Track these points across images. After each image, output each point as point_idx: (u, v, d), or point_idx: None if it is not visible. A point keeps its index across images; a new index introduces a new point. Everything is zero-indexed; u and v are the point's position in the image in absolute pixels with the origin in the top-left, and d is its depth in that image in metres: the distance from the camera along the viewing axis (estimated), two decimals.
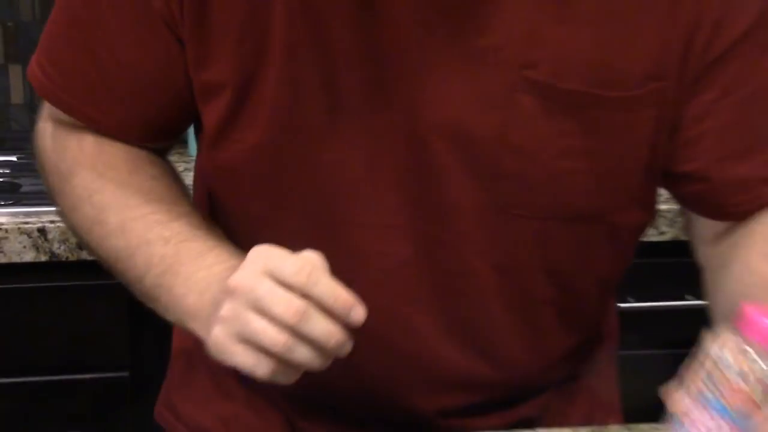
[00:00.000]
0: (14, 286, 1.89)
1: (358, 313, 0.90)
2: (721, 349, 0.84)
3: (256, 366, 0.90)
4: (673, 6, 1.02)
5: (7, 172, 2.14)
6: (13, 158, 2.23)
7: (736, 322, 0.84)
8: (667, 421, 0.88)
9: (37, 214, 1.88)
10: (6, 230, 1.84)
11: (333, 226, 1.10)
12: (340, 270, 1.01)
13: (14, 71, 2.47)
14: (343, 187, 1.08)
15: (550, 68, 1.02)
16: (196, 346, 1.28)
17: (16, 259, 1.85)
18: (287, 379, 0.93)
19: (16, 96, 2.48)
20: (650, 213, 1.16)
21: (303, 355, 0.90)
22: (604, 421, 1.24)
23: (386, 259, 1.10)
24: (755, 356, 0.82)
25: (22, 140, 2.31)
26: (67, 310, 1.90)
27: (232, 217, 1.18)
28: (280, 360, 0.90)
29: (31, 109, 2.48)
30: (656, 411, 1.20)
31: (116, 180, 1.12)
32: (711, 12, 1.03)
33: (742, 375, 0.81)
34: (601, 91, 1.03)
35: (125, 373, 1.94)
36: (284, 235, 1.05)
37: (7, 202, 1.93)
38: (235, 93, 1.07)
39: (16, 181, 2.07)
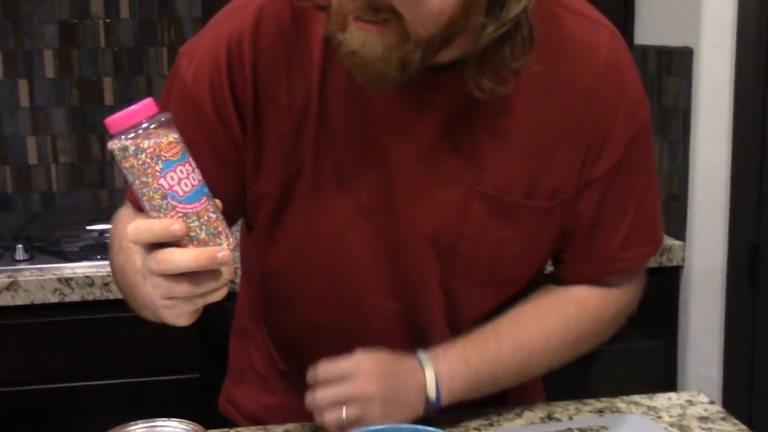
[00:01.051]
0: (120, 315, 1.83)
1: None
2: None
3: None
4: (576, 138, 1.04)
5: (107, 236, 2.13)
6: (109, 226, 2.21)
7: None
8: None
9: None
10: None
11: (343, 291, 1.09)
12: (350, 319, 1.09)
13: (117, 167, 2.44)
14: (351, 264, 1.07)
15: (494, 184, 1.03)
16: (246, 356, 1.28)
17: (119, 296, 1.88)
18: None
19: (119, 180, 2.45)
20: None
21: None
22: (533, 401, 1.23)
23: (379, 311, 1.10)
24: (131, 136, 0.79)
25: None
26: (154, 331, 1.89)
27: (272, 293, 1.17)
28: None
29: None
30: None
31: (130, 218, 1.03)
32: (597, 141, 1.04)
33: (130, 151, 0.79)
34: (527, 201, 1.04)
35: (196, 375, 1.94)
36: (311, 300, 1.10)
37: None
38: (276, 203, 1.05)
39: None
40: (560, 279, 1.16)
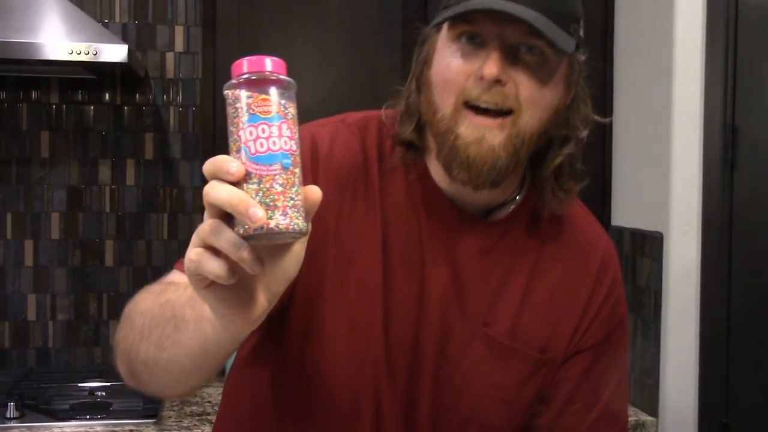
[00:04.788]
0: None
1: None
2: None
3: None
4: (572, 307, 1.16)
5: (103, 395, 2.22)
6: (108, 384, 2.29)
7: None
8: None
9: (122, 425, 1.99)
10: None
11: (355, 389, 1.13)
12: (350, 417, 1.13)
13: (113, 325, 2.55)
14: (373, 363, 1.12)
15: (498, 329, 1.13)
16: None
17: None
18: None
19: (114, 339, 2.54)
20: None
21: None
22: None
23: (373, 417, 1.14)
24: (233, 82, 0.78)
25: (113, 372, 2.41)
26: None
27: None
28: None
29: None
30: None
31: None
32: (588, 316, 1.17)
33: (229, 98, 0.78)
34: (521, 347, 1.14)
35: None
36: (326, 397, 1.13)
37: (101, 416, 2.04)
38: (326, 300, 1.11)
39: (108, 401, 2.16)
40: None
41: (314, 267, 1.07)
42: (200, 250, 0.77)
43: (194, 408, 2.21)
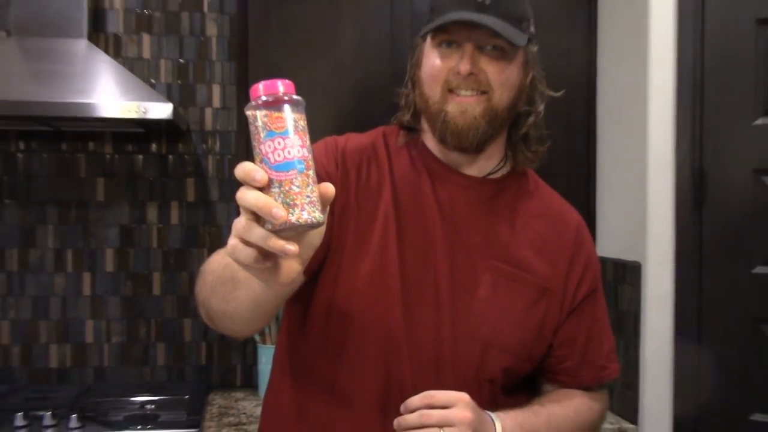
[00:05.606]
0: None
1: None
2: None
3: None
4: (562, 249, 1.37)
5: (152, 408, 2.41)
6: (156, 398, 2.48)
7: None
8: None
9: None
10: None
11: (379, 315, 1.29)
12: (392, 361, 1.27)
13: (160, 347, 2.73)
14: (393, 302, 1.28)
15: (501, 259, 1.33)
16: None
17: None
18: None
19: (160, 359, 2.70)
20: (533, 365, 1.38)
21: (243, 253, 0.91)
22: None
23: (415, 343, 1.29)
24: (252, 105, 0.88)
25: (161, 388, 2.59)
26: None
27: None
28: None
29: (168, 370, 2.74)
30: None
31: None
32: (578, 265, 1.38)
33: (250, 118, 0.89)
34: (528, 276, 1.33)
35: None
36: (358, 326, 1.28)
37: (150, 427, 2.23)
38: (350, 251, 1.30)
39: (156, 413, 2.35)
40: (559, 386, 1.42)
41: (342, 226, 1.30)
42: (235, 241, 0.90)
43: (231, 419, 2.38)
